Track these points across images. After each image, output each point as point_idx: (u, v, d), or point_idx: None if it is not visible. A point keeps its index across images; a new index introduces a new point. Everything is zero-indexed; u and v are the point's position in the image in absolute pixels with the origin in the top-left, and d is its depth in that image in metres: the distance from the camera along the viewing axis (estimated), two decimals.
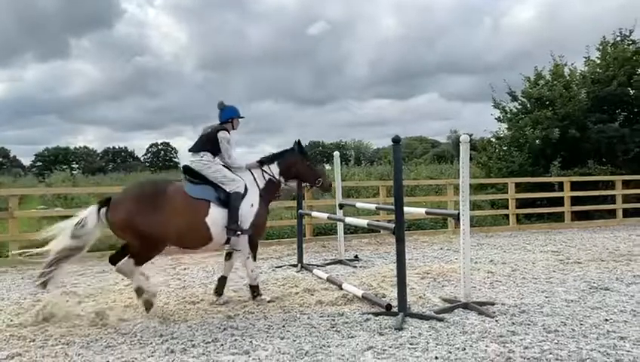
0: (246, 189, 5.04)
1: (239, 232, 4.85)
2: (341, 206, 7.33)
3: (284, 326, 4.22)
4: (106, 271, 7.01)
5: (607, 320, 4.28)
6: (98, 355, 3.62)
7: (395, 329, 4.06)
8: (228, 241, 5.02)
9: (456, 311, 4.58)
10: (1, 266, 7.49)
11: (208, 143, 5.03)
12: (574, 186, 11.87)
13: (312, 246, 8.78)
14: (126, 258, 4.61)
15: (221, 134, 5.04)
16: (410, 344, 3.74)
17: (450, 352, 3.55)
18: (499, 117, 14.94)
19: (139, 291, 4.62)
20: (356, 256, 7.71)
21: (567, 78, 14.15)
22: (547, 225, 11.52)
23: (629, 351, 3.53)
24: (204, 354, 3.62)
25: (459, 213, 4.67)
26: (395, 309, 4.44)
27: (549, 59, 14.52)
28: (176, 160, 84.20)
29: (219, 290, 5.13)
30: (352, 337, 3.91)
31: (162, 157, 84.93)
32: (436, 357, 3.46)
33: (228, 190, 4.92)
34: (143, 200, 4.59)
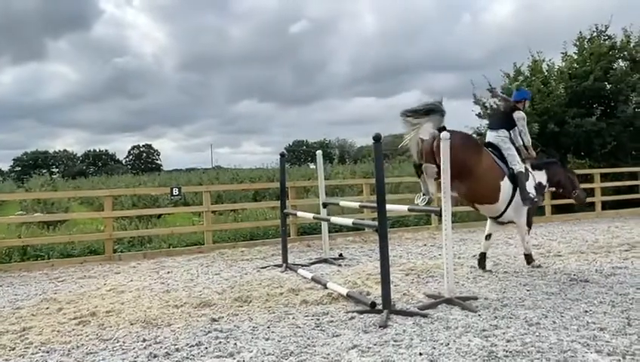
0: (528, 173, 5.91)
1: (536, 200, 5.71)
2: (325, 205, 7.34)
3: (268, 327, 4.20)
4: (87, 276, 6.91)
5: (587, 311, 4.36)
6: None
7: (380, 326, 4.08)
8: (501, 215, 5.86)
9: (440, 306, 4.62)
10: None
11: (504, 120, 5.82)
12: None
13: (296, 246, 8.77)
14: (432, 165, 5.33)
15: (517, 114, 5.82)
16: (395, 341, 3.76)
17: (434, 348, 3.58)
18: (479, 113, 15.06)
19: (423, 181, 5.57)
20: (341, 255, 7.72)
21: (546, 73, 14.33)
22: None
23: (608, 342, 3.59)
24: (187, 357, 3.59)
25: (441, 210, 4.71)
26: (380, 307, 4.46)
27: (528, 55, 14.73)
28: (158, 162, 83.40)
29: (482, 264, 6.16)
30: (336, 336, 3.92)
31: (144, 159, 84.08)
32: (420, 354, 3.48)
33: (514, 168, 5.75)
34: (470, 141, 5.49)
